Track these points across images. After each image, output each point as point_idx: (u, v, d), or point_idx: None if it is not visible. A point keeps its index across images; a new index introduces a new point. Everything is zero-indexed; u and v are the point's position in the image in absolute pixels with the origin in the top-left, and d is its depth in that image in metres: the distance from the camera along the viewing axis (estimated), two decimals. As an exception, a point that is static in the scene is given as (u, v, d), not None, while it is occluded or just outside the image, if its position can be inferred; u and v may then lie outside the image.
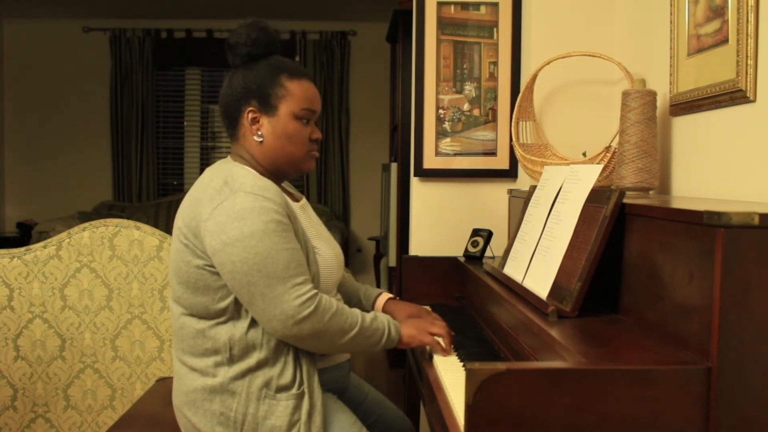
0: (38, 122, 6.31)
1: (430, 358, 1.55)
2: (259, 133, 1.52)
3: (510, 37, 2.40)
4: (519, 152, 2.07)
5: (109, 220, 2.36)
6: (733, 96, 1.48)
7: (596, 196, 1.37)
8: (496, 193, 2.48)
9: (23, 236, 5.83)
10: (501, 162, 2.45)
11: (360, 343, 1.48)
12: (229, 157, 1.58)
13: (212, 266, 1.43)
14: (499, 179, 2.47)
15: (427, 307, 1.93)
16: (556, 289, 1.39)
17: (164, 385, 2.06)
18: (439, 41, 2.42)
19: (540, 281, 1.48)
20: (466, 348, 1.58)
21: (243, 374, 1.43)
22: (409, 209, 2.69)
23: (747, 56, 1.42)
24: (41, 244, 2.33)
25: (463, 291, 2.14)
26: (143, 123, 6.27)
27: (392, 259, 4.08)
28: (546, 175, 1.70)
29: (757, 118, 1.43)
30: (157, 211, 5.94)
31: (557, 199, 1.55)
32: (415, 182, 2.51)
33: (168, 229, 1.98)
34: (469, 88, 2.43)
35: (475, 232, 2.24)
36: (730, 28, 1.49)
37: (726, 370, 0.98)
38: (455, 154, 2.44)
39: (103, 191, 6.32)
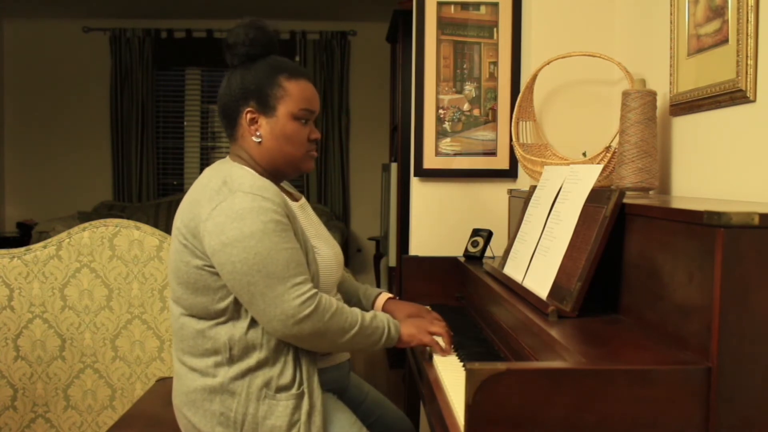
0: (38, 122, 6.31)
1: (430, 357, 1.55)
2: (258, 133, 1.52)
3: (510, 37, 2.40)
4: (519, 152, 2.07)
5: (109, 220, 2.36)
6: (733, 96, 1.48)
7: (596, 196, 1.37)
8: (496, 193, 2.48)
9: (23, 236, 5.83)
10: (501, 162, 2.45)
11: (360, 342, 1.48)
12: (227, 158, 1.58)
13: (211, 266, 1.43)
14: (499, 179, 2.47)
15: (427, 307, 1.93)
16: (556, 289, 1.39)
17: (164, 385, 2.06)
18: (439, 41, 2.42)
19: (540, 281, 1.48)
20: (466, 348, 1.58)
21: (243, 374, 1.43)
22: (409, 209, 2.69)
23: (747, 56, 1.42)
24: (41, 244, 2.33)
25: (463, 291, 2.14)
26: (143, 123, 6.27)
27: (392, 259, 4.08)
28: (546, 175, 1.70)
29: (757, 118, 1.43)
30: (157, 211, 5.94)
31: (557, 199, 1.55)
32: (415, 182, 2.51)
33: (168, 229, 1.98)
34: (469, 88, 2.43)
35: (475, 232, 2.24)
36: (730, 28, 1.49)
37: (726, 370, 0.98)
38: (455, 154, 2.44)
39: (103, 191, 6.33)
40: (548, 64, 2.04)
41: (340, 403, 1.56)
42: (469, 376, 0.96)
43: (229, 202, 1.40)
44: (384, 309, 1.74)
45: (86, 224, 2.34)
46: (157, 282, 2.33)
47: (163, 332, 2.35)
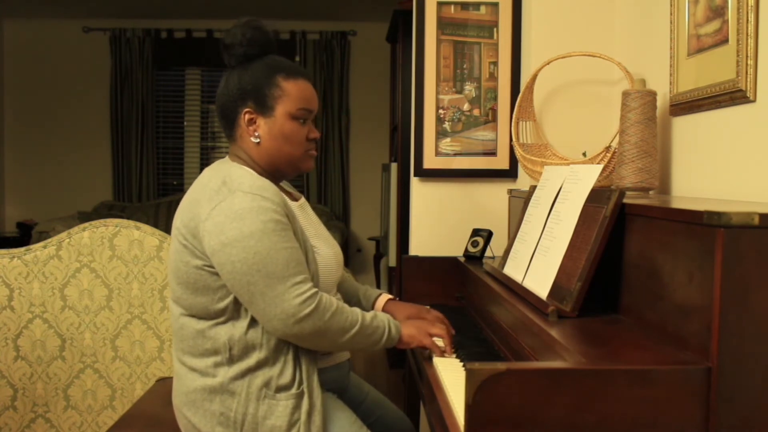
0: (38, 122, 6.31)
1: (430, 357, 1.55)
2: (256, 134, 1.52)
3: (510, 37, 2.40)
4: (519, 152, 2.07)
5: (109, 220, 2.36)
6: (733, 96, 1.48)
7: (596, 196, 1.37)
8: (496, 193, 2.48)
9: (23, 236, 5.83)
10: (501, 162, 2.45)
11: (360, 342, 1.47)
12: (227, 158, 1.58)
13: (211, 266, 1.43)
14: (499, 179, 2.47)
15: (427, 307, 1.93)
16: (556, 289, 1.39)
17: (164, 385, 2.06)
18: (439, 41, 2.42)
19: (540, 281, 1.48)
20: (466, 348, 1.58)
21: (242, 374, 1.43)
22: (409, 209, 2.69)
23: (747, 56, 1.42)
24: (41, 244, 2.33)
25: (463, 291, 2.14)
26: (143, 123, 6.27)
27: (392, 259, 4.09)
28: (546, 175, 1.70)
29: (757, 118, 1.43)
30: (157, 211, 5.94)
31: (557, 199, 1.55)
32: (415, 182, 2.51)
33: (168, 229, 1.98)
34: (469, 88, 2.43)
35: (475, 232, 2.24)
36: (730, 28, 1.49)
37: (726, 370, 0.98)
38: (455, 154, 2.44)
39: (103, 191, 6.33)
40: (548, 64, 2.04)
41: (340, 402, 1.56)
42: (469, 376, 0.96)
43: (229, 201, 1.40)
44: (384, 310, 1.74)
45: (86, 224, 2.34)
46: (157, 282, 2.33)
47: (163, 332, 2.35)
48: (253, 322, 1.44)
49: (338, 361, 1.60)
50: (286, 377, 1.44)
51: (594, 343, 1.17)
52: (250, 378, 1.43)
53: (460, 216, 2.49)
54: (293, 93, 1.52)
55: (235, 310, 1.44)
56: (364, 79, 6.33)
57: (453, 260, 2.21)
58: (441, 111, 2.43)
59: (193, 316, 1.48)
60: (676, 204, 1.22)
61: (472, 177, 2.47)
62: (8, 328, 2.30)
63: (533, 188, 1.77)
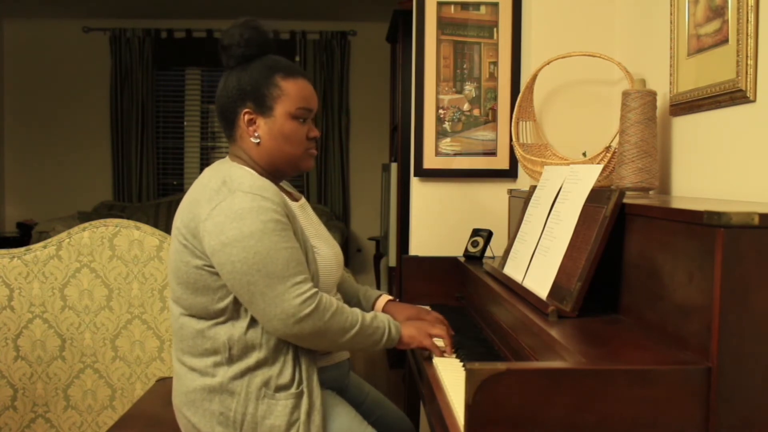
0: (38, 122, 6.31)
1: (430, 357, 1.55)
2: (256, 134, 1.52)
3: (510, 37, 2.40)
4: (519, 152, 2.07)
5: (109, 220, 2.36)
6: (733, 96, 1.48)
7: (596, 196, 1.37)
8: (496, 193, 2.48)
9: (23, 236, 5.83)
10: (501, 162, 2.45)
11: (360, 342, 1.47)
12: (227, 158, 1.58)
13: (211, 266, 1.43)
14: (499, 179, 2.47)
15: (427, 307, 1.93)
16: (556, 289, 1.39)
17: (164, 385, 2.06)
18: (439, 41, 2.42)
19: (540, 281, 1.48)
20: (466, 348, 1.58)
21: (242, 374, 1.43)
22: (409, 209, 2.69)
23: (747, 56, 1.42)
24: (41, 244, 2.33)
25: (463, 291, 2.14)
26: (143, 123, 6.27)
27: (392, 259, 4.08)
28: (546, 175, 1.70)
29: (757, 118, 1.43)
30: (157, 211, 5.94)
31: (557, 199, 1.55)
32: (415, 182, 2.51)
33: (168, 229, 1.98)
34: (469, 88, 2.43)
35: (475, 232, 2.24)
36: (730, 28, 1.49)
37: (726, 370, 0.98)
38: (455, 154, 2.44)
39: (103, 191, 6.33)
40: (548, 64, 2.04)
41: (340, 398, 1.56)
42: (469, 376, 0.96)
43: (229, 201, 1.40)
44: (384, 311, 1.74)
45: (86, 224, 2.34)
46: (157, 282, 2.33)
47: (163, 332, 2.35)
48: (252, 322, 1.44)
49: (338, 361, 1.60)
50: (286, 377, 1.44)
51: (594, 343, 1.17)
52: (250, 378, 1.43)
53: (460, 216, 2.49)
54: (292, 92, 1.52)
55: (235, 310, 1.44)
56: (364, 79, 6.33)
57: (453, 260, 2.21)
58: (441, 111, 2.43)
59: (192, 316, 1.48)
60: (676, 204, 1.22)
61: (472, 177, 2.47)
62: (8, 328, 2.30)
63: (533, 188, 1.77)
